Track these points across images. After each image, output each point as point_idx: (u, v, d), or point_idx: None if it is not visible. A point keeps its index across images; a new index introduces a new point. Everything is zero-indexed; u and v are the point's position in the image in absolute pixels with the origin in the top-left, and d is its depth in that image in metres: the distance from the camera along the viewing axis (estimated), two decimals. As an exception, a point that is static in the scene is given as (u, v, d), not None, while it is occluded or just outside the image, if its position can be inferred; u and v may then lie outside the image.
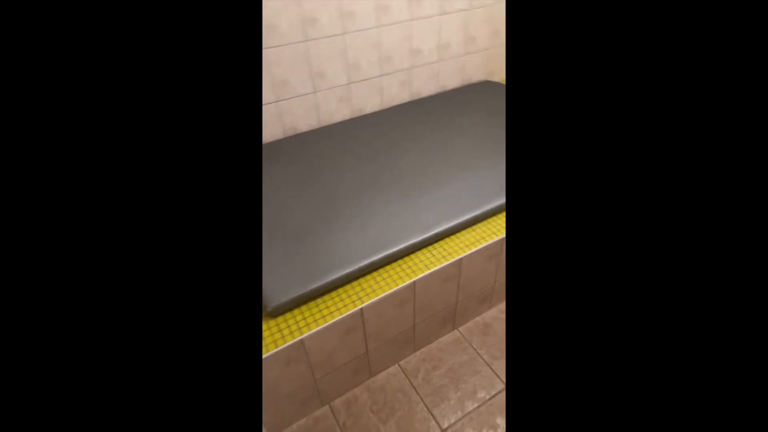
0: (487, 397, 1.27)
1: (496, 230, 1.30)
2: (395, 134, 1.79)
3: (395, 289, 1.15)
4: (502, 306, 1.58)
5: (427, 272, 1.20)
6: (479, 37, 2.04)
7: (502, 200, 1.38)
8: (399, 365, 1.38)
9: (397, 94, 1.99)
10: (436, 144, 1.68)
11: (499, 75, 2.31)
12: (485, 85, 2.15)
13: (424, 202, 1.37)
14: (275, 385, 1.08)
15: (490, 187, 1.42)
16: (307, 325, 1.06)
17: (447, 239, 1.31)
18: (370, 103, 1.95)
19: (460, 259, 1.24)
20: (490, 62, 2.20)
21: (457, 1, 1.88)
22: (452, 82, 2.14)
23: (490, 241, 1.28)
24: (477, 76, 2.21)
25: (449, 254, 1.25)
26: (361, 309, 1.11)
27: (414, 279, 1.18)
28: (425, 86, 2.06)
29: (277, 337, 1.03)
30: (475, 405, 1.26)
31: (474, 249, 1.26)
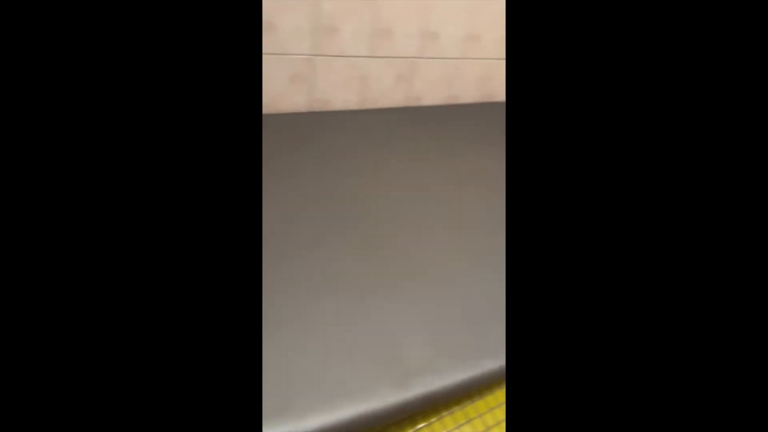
0: None
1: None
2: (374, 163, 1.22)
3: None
4: None
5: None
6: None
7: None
8: None
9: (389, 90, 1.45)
10: (432, 205, 1.06)
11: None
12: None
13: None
14: None
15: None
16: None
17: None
18: (343, 96, 1.40)
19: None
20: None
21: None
22: (470, 93, 1.62)
23: None
24: (503, 93, 1.71)
25: None
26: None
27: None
28: (430, 90, 1.53)
29: None
30: None
31: None
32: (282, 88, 1.25)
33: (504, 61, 1.60)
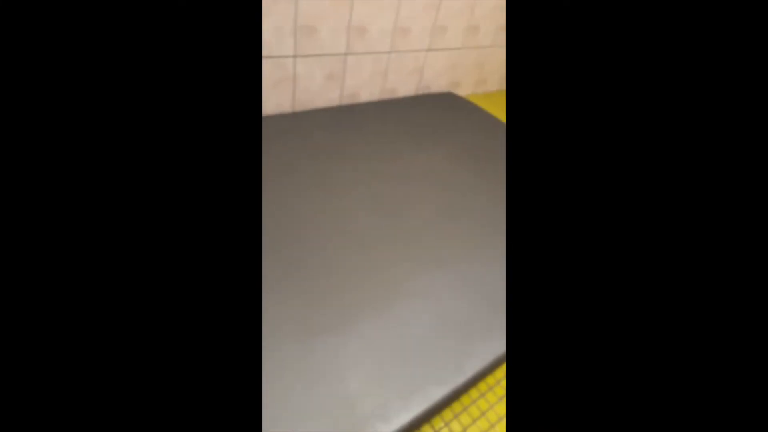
0: None
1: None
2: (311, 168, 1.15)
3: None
4: None
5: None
6: (452, 26, 1.54)
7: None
8: None
9: (320, 91, 1.38)
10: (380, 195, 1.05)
11: (466, 88, 1.81)
12: (447, 100, 1.61)
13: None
14: None
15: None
16: None
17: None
18: (275, 100, 1.32)
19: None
20: (458, 66, 1.69)
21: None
22: (404, 87, 1.58)
23: None
24: (437, 85, 1.69)
25: None
26: None
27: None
28: (365, 86, 1.48)
29: None
30: None
31: None
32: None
33: (432, 52, 1.57)
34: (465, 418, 0.79)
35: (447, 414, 0.79)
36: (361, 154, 1.17)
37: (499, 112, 1.76)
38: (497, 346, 0.76)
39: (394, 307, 0.77)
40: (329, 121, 1.30)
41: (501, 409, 0.81)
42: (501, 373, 0.88)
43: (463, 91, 1.81)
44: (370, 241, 0.90)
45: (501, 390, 0.85)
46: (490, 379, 0.87)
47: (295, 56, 1.24)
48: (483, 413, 0.81)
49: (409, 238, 0.93)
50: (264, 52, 1.19)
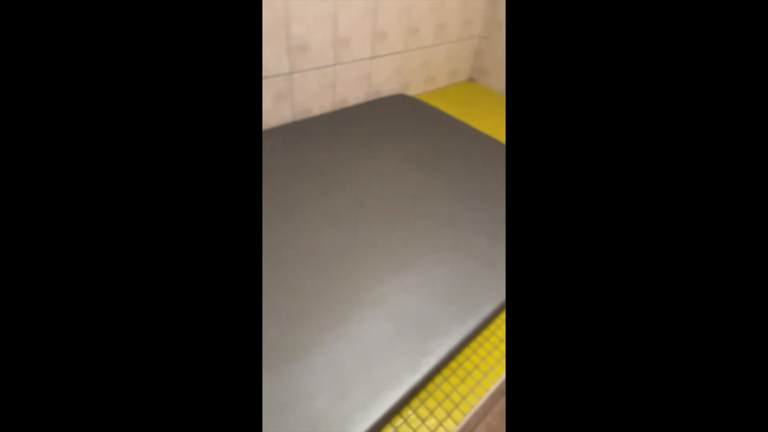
0: None
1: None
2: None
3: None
4: None
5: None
6: (392, 31, 1.59)
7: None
8: None
9: (272, 109, 1.43)
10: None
11: (416, 87, 1.87)
12: (398, 102, 1.67)
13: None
14: None
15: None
16: None
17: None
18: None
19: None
20: (403, 68, 1.74)
21: (347, -12, 1.42)
22: (354, 95, 1.63)
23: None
24: (388, 89, 1.74)
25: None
26: None
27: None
28: (315, 100, 1.52)
29: None
30: None
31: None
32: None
33: (377, 59, 1.63)
34: (431, 403, 0.85)
35: (414, 402, 0.85)
36: (317, 167, 1.22)
37: (449, 107, 1.82)
38: (452, 340, 0.82)
39: (354, 320, 0.82)
40: (282, 140, 1.35)
41: (464, 389, 0.87)
42: (463, 356, 0.94)
43: (413, 91, 1.87)
44: (330, 255, 0.95)
45: (463, 372, 0.91)
46: (453, 364, 0.93)
47: (240, 82, 1.29)
48: (447, 395, 0.86)
49: (367, 245, 0.98)
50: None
